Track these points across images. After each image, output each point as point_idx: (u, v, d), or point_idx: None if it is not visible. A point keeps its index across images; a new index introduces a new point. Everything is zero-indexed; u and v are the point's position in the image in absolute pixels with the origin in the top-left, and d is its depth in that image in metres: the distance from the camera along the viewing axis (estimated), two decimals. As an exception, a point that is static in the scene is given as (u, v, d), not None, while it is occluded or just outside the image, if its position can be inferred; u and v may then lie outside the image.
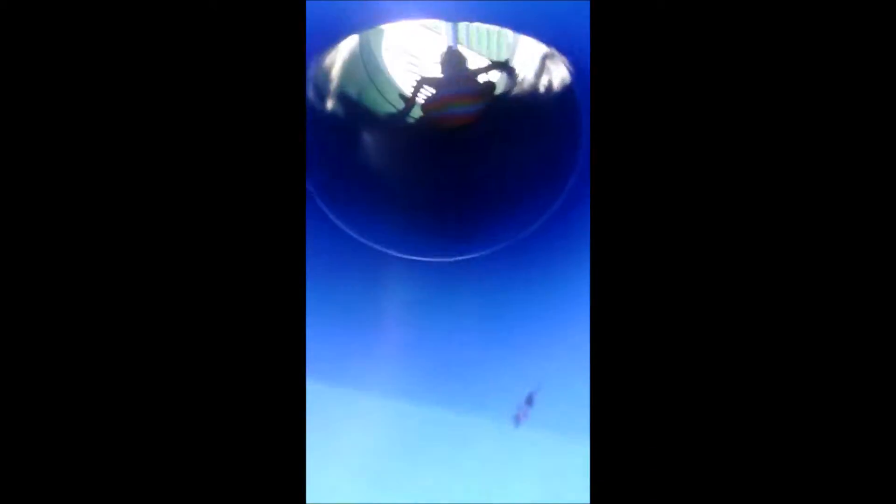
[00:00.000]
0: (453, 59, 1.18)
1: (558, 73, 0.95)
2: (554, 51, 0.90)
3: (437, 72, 1.18)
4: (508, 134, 1.09)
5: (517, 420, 0.54)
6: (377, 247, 0.88)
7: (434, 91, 1.11)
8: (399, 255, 0.87)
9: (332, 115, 1.08)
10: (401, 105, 1.21)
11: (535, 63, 1.14)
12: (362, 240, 0.89)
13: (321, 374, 0.55)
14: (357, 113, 1.19)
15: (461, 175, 1.04)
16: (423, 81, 1.14)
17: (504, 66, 1.20)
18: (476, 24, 2.18)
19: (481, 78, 1.13)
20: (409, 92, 1.18)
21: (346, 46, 1.14)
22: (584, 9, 0.44)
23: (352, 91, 1.19)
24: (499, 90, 1.17)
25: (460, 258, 0.82)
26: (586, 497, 0.32)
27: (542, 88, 1.06)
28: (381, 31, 1.50)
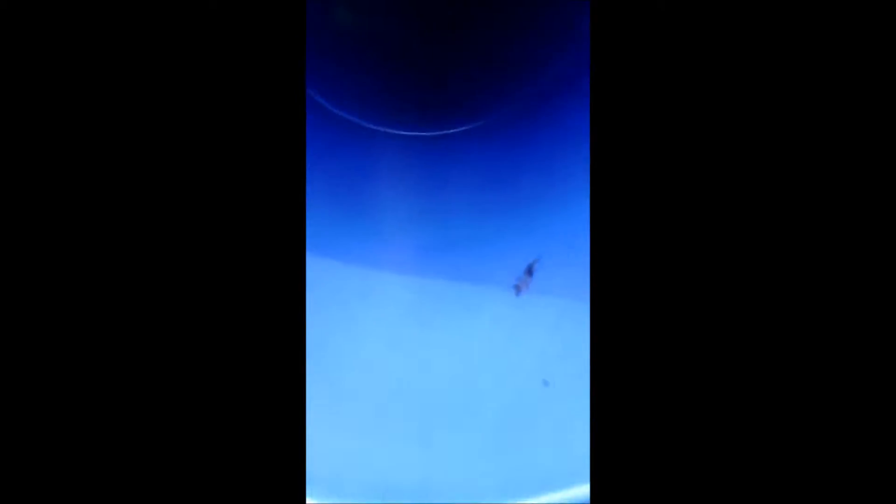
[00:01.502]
0: None
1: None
2: None
3: None
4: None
5: (518, 290, 0.58)
6: (352, 118, 0.86)
7: None
8: (377, 128, 0.86)
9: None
10: None
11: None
12: (336, 111, 0.86)
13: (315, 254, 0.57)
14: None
15: (439, 43, 1.00)
16: None
17: None
18: None
19: None
20: None
21: None
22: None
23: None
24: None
25: (444, 132, 0.82)
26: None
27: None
28: None
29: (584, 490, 0.43)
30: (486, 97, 0.83)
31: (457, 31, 1.00)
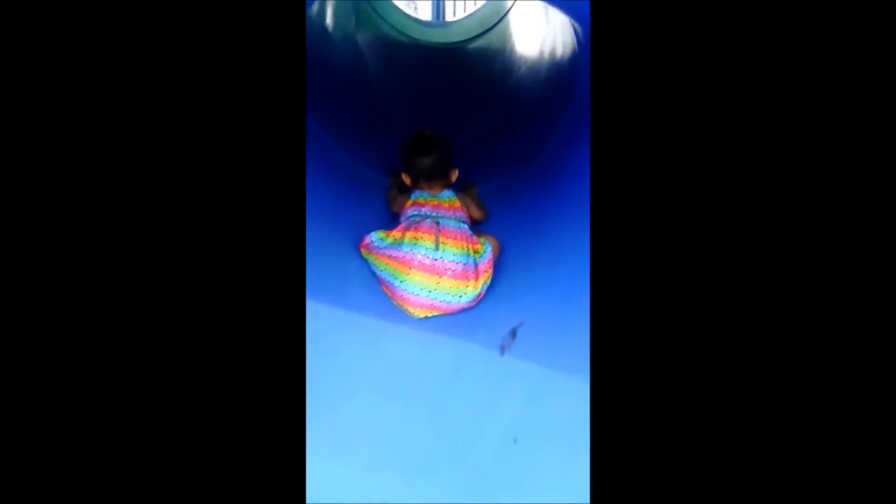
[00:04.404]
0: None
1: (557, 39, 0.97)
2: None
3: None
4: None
5: (502, 350, 0.65)
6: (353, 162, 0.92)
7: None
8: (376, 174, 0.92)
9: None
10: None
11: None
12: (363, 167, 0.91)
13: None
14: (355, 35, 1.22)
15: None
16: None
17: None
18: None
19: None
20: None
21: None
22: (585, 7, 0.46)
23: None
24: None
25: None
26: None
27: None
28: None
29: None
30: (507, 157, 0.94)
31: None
